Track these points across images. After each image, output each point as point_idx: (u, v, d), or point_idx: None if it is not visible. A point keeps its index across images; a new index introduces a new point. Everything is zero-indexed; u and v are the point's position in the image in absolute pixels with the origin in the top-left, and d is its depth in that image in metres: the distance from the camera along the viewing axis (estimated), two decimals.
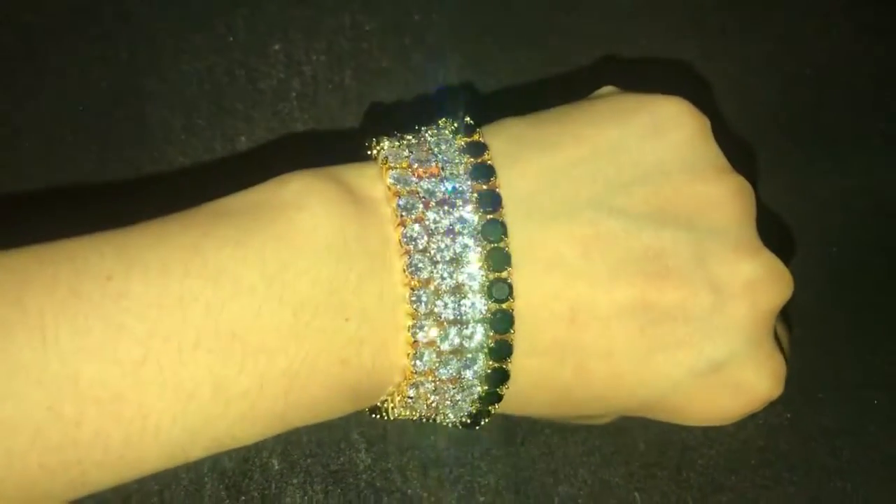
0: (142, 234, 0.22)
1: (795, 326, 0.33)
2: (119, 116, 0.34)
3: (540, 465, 0.32)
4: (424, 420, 0.25)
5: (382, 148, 0.25)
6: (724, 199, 0.25)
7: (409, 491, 0.31)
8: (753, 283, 0.25)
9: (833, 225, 0.37)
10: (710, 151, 0.26)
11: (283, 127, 0.35)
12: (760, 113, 0.38)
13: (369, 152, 0.25)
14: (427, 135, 0.25)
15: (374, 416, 0.26)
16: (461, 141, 0.25)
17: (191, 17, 0.36)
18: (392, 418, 0.25)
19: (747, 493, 0.33)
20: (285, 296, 0.22)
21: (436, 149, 0.25)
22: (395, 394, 0.24)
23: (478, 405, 0.25)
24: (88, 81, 0.35)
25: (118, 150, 0.34)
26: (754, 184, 0.26)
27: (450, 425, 0.26)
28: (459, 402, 0.24)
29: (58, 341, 0.20)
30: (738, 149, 0.27)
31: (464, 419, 0.25)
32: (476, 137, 0.25)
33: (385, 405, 0.25)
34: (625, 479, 0.32)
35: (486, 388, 0.24)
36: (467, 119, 0.26)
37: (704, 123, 0.26)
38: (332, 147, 0.35)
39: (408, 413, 0.25)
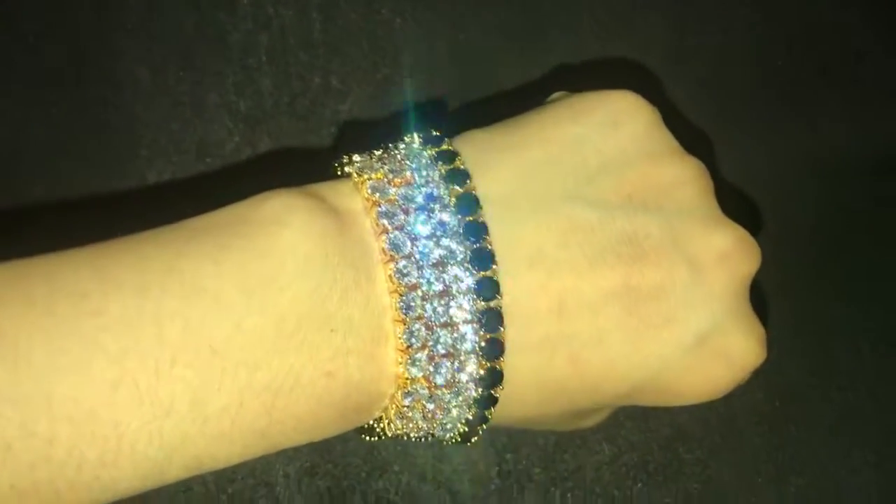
0: (118, 250, 0.22)
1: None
2: (89, 74, 0.34)
3: None
4: (421, 437, 0.25)
5: (355, 162, 0.25)
6: (684, 179, 0.26)
7: None
8: (726, 253, 0.26)
9: (800, 184, 0.37)
10: (665, 137, 0.27)
11: (251, 82, 0.35)
12: (730, 79, 0.38)
13: (340, 172, 0.25)
14: (395, 149, 0.25)
15: (368, 437, 0.26)
16: (432, 151, 0.25)
17: None
18: (389, 435, 0.25)
19: (714, 442, 0.34)
20: (266, 309, 0.21)
21: (407, 160, 0.25)
22: (390, 406, 0.24)
23: (474, 410, 0.25)
24: (57, 39, 0.34)
25: (88, 108, 0.34)
26: (708, 163, 0.27)
27: (446, 441, 0.26)
28: (455, 408, 0.24)
29: (31, 359, 0.20)
30: (688, 132, 0.28)
31: (461, 429, 0.25)
32: (446, 146, 0.25)
33: (381, 423, 0.25)
34: (592, 429, 0.33)
35: (480, 390, 0.24)
36: (433, 131, 0.26)
37: (655, 112, 0.27)
38: (300, 104, 0.35)
39: (403, 426, 0.25)
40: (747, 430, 0.34)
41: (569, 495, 0.32)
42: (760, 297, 0.27)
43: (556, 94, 0.29)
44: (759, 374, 0.26)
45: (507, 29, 0.37)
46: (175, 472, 0.22)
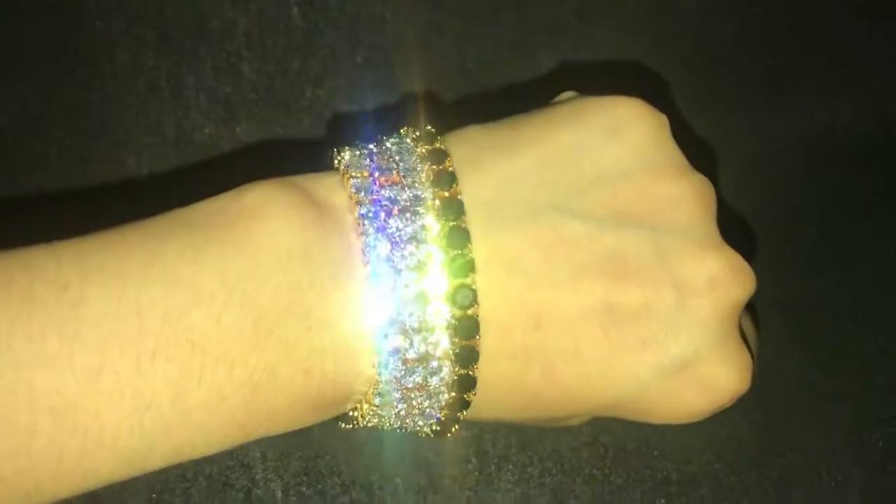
0: (100, 242, 0.22)
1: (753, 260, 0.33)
2: (65, 56, 0.34)
3: None
4: (396, 430, 0.25)
5: (343, 157, 0.25)
6: (683, 197, 0.25)
7: None
8: (716, 279, 0.25)
9: (789, 162, 0.37)
10: (669, 150, 0.26)
11: (229, 65, 0.35)
12: (716, 55, 0.38)
13: (332, 163, 0.25)
14: (388, 144, 0.25)
15: (343, 425, 0.26)
16: (423, 149, 0.25)
17: None
18: (362, 425, 0.25)
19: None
20: (246, 305, 0.21)
21: (397, 157, 0.24)
22: (363, 402, 0.24)
23: (446, 412, 0.25)
24: (33, 19, 0.34)
25: (64, 90, 0.34)
26: (714, 181, 0.26)
27: (421, 435, 0.26)
28: (427, 410, 0.24)
29: (11, 349, 0.20)
30: (697, 146, 0.27)
31: (433, 427, 0.25)
32: (437, 145, 0.25)
33: (355, 414, 0.25)
34: None
35: (453, 394, 0.24)
36: (428, 127, 0.25)
37: (662, 122, 0.26)
38: (279, 88, 0.35)
39: (377, 421, 0.25)
40: (729, 409, 0.34)
41: (546, 476, 0.32)
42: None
43: (564, 94, 0.28)
44: None
45: (489, 12, 0.37)
46: (155, 461, 0.22)
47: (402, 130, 0.26)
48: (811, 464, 0.34)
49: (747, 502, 0.33)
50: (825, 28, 0.39)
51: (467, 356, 0.23)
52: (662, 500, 0.33)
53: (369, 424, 0.25)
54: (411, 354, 0.23)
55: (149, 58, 0.35)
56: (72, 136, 0.33)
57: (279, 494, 0.31)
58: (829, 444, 0.34)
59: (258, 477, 0.31)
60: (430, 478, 0.32)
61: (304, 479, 0.31)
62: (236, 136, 0.34)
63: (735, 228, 0.27)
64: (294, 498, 0.31)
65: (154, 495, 0.30)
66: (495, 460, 0.32)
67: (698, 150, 0.28)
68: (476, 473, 0.32)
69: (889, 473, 0.34)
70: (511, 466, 0.32)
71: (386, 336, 0.23)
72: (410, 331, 0.23)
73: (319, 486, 0.31)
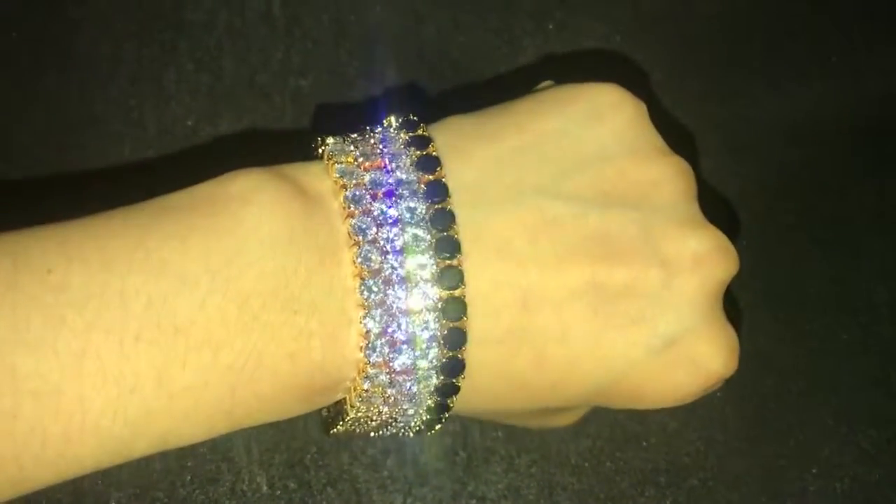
0: (84, 227, 0.22)
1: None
2: (46, 46, 0.34)
3: None
4: (383, 427, 0.25)
5: (327, 145, 0.25)
6: (665, 178, 0.26)
7: None
8: (701, 256, 0.25)
9: (771, 149, 0.37)
10: (649, 134, 0.27)
11: (210, 57, 0.35)
12: (699, 40, 0.38)
13: (316, 152, 0.25)
14: (372, 132, 0.25)
15: (333, 430, 0.26)
16: (406, 136, 0.25)
17: None
18: (350, 421, 0.25)
19: (685, 408, 0.33)
20: (230, 289, 0.21)
21: (381, 145, 0.25)
22: (351, 389, 0.24)
23: (436, 397, 0.25)
24: (13, 11, 0.34)
25: (44, 83, 0.34)
26: (694, 164, 0.27)
27: (411, 431, 0.26)
28: (416, 396, 0.24)
29: None
30: (677, 132, 0.27)
31: (423, 416, 0.25)
32: (420, 132, 0.25)
33: (342, 407, 0.25)
34: None
35: (441, 378, 0.24)
36: (411, 115, 0.26)
37: (641, 107, 0.27)
38: (260, 79, 0.35)
39: (365, 410, 0.24)
40: (717, 397, 0.34)
41: (534, 467, 0.32)
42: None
43: (543, 84, 0.28)
44: None
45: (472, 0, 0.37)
46: (141, 448, 0.22)
47: (385, 120, 0.26)
48: (800, 454, 0.34)
49: (736, 493, 0.33)
50: (807, 11, 0.39)
51: (455, 338, 0.23)
52: (651, 491, 0.32)
53: (358, 417, 0.25)
54: (399, 336, 0.23)
55: (129, 50, 0.34)
56: (52, 128, 0.33)
57: (264, 488, 0.31)
58: (818, 435, 0.34)
59: (243, 471, 0.31)
60: (416, 470, 0.31)
61: (290, 472, 0.31)
62: (218, 127, 0.34)
63: (717, 212, 0.27)
64: (279, 492, 0.31)
65: (138, 490, 0.30)
66: (482, 452, 0.32)
67: (678, 136, 0.28)
68: (463, 465, 0.32)
69: (877, 463, 0.34)
70: (498, 458, 0.32)
71: (373, 318, 0.23)
72: (398, 313, 0.23)
73: (305, 480, 0.31)
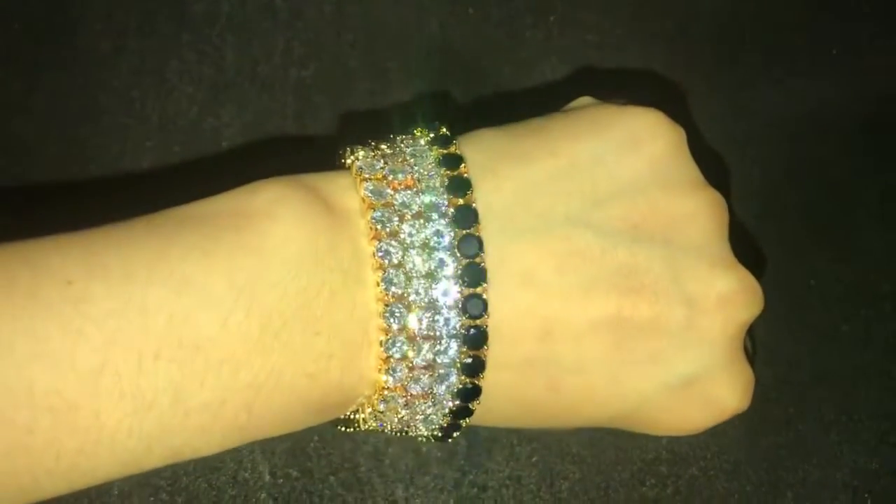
0: (106, 237, 0.22)
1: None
2: (48, 38, 0.34)
3: None
4: (396, 434, 0.25)
5: (357, 158, 0.24)
6: (698, 214, 0.25)
7: None
8: (726, 298, 0.25)
9: (773, 144, 0.37)
10: (686, 165, 0.26)
11: (213, 48, 0.35)
12: (701, 34, 0.38)
13: (343, 161, 0.25)
14: (402, 145, 0.25)
15: (342, 428, 0.26)
16: (437, 152, 0.24)
17: None
18: (363, 429, 0.25)
19: None
20: (253, 308, 0.21)
21: (411, 160, 0.24)
22: (366, 405, 0.24)
23: (449, 419, 0.24)
24: (14, 4, 0.34)
25: (46, 76, 0.34)
26: (728, 197, 0.26)
27: (422, 439, 0.26)
28: (430, 417, 0.24)
29: (13, 346, 0.19)
30: (712, 159, 0.27)
31: (435, 432, 0.25)
32: (452, 149, 0.24)
33: (355, 416, 0.25)
34: None
35: (457, 402, 0.24)
36: (443, 129, 0.25)
37: (680, 136, 0.26)
38: (263, 70, 0.35)
39: (377, 425, 0.24)
40: None
41: (535, 455, 0.32)
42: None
43: (580, 100, 0.28)
44: None
45: None
46: (154, 461, 0.22)
47: (416, 132, 0.25)
48: (801, 443, 0.34)
49: (737, 482, 0.33)
50: (809, 6, 0.39)
51: (474, 366, 0.23)
52: (652, 480, 0.32)
53: (370, 429, 0.25)
54: (419, 362, 0.23)
55: (132, 42, 0.34)
56: (54, 120, 0.33)
57: (267, 477, 0.31)
58: (819, 424, 0.34)
59: (245, 459, 0.31)
60: (418, 459, 0.31)
61: (292, 460, 0.31)
62: (220, 118, 0.34)
63: (749, 250, 0.26)
64: (281, 480, 0.31)
65: (140, 478, 0.30)
66: (484, 441, 0.32)
67: (714, 165, 0.27)
68: (464, 454, 0.32)
69: (878, 453, 0.34)
70: (500, 447, 0.32)
71: (394, 343, 0.22)
72: (419, 339, 0.23)
73: (307, 468, 0.31)
